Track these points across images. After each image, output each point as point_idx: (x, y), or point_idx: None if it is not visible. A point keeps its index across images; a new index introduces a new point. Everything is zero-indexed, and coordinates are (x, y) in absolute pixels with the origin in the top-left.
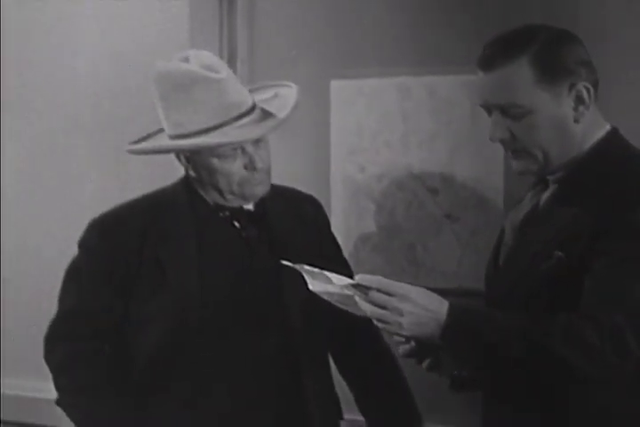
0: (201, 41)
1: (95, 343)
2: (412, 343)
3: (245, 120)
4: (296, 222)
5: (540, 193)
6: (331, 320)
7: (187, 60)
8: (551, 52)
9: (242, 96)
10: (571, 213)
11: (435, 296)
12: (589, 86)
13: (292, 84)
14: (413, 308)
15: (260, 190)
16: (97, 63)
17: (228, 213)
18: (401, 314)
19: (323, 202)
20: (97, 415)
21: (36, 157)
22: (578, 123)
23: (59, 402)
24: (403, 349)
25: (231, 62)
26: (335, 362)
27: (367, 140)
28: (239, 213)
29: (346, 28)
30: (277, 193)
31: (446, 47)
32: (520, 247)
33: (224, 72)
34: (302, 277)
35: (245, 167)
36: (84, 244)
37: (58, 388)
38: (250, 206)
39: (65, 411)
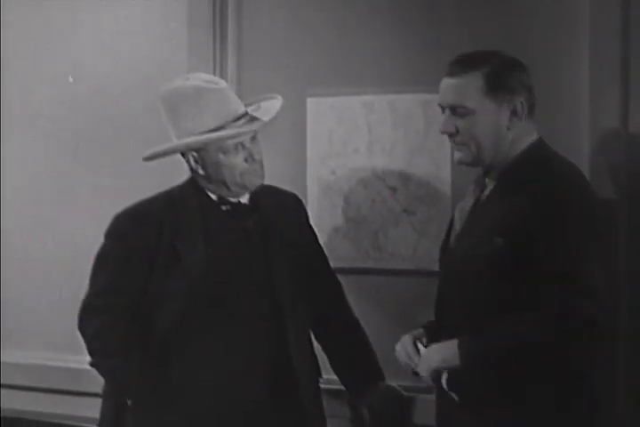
0: (197, 65)
1: (123, 315)
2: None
3: (241, 121)
4: (282, 214)
5: (480, 187)
6: (311, 296)
7: (187, 79)
8: (501, 73)
9: (238, 103)
10: (507, 205)
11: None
12: (525, 103)
13: (278, 96)
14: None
15: (258, 181)
16: (100, 81)
17: (229, 207)
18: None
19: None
20: (126, 373)
21: (36, 166)
22: (509, 130)
23: (93, 364)
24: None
25: None
26: (313, 330)
27: (338, 148)
28: (237, 206)
29: (320, 54)
30: (266, 190)
31: (405, 70)
32: (465, 233)
33: (222, 84)
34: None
35: (246, 160)
36: (112, 233)
37: (92, 352)
38: (246, 200)
39: (98, 370)
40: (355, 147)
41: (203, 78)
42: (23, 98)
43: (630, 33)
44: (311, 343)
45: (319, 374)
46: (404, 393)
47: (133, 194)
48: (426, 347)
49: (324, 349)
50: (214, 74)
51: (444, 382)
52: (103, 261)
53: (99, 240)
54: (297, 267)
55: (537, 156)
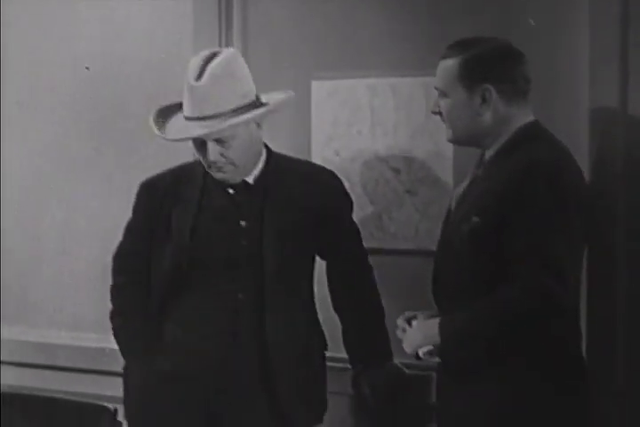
0: (202, 49)
1: (133, 276)
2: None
3: (207, 122)
4: (292, 189)
5: (477, 167)
6: (333, 268)
7: (215, 54)
8: (479, 60)
9: (212, 103)
10: (488, 185)
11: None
12: (493, 91)
13: (290, 91)
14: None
15: (221, 176)
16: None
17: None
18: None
19: None
20: (124, 333)
21: (36, 156)
22: (481, 116)
23: (110, 318)
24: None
25: None
26: (333, 300)
27: (342, 130)
28: (238, 183)
29: (324, 39)
30: (295, 166)
31: (407, 55)
32: (453, 214)
33: (207, 81)
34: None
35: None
36: (135, 204)
37: (111, 308)
38: (250, 180)
39: (111, 324)
40: (358, 129)
41: (216, 63)
42: (24, 96)
43: (630, 18)
44: (315, 316)
45: (325, 348)
46: (407, 371)
47: (135, 191)
48: None
49: (341, 321)
50: None
51: (420, 353)
52: (126, 227)
53: (99, 237)
54: (293, 242)
55: (526, 137)
